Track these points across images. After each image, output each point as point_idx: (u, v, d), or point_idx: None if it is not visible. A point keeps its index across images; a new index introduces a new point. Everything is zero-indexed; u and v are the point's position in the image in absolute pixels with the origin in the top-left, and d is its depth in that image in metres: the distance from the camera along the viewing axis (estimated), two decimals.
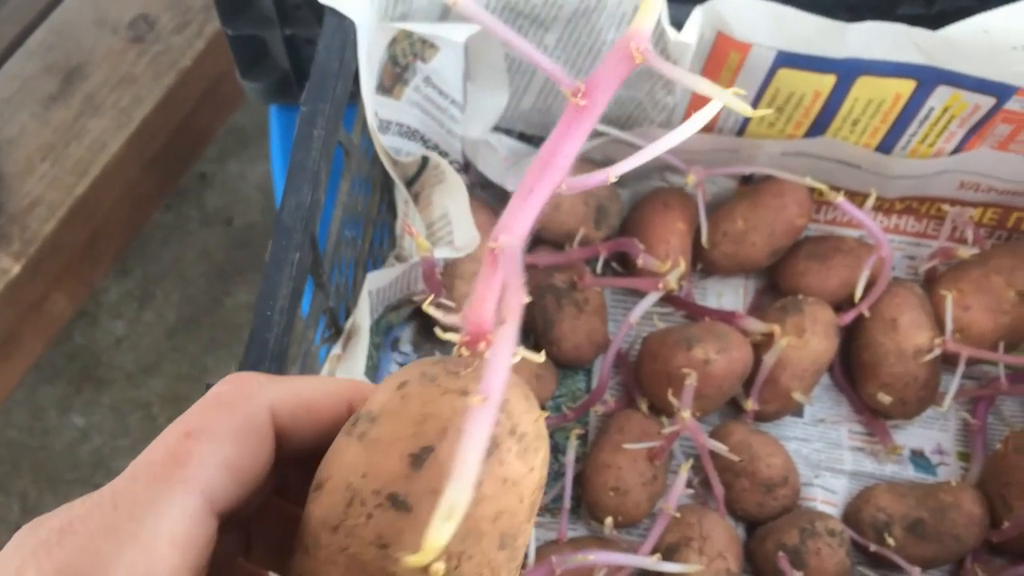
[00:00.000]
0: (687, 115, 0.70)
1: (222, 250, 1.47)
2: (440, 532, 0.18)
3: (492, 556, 0.24)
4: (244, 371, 0.27)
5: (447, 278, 0.68)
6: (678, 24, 0.62)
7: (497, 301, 0.25)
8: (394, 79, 0.63)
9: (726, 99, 0.25)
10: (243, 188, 1.50)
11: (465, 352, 0.25)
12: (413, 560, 0.19)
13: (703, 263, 0.76)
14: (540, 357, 0.26)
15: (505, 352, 0.21)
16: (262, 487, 0.26)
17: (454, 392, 0.23)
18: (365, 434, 0.23)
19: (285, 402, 0.26)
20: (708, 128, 0.72)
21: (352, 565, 0.23)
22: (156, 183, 1.23)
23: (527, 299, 0.23)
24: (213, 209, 1.50)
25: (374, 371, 0.66)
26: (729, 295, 0.78)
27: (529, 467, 0.24)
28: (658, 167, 0.77)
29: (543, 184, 0.25)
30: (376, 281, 0.59)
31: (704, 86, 0.26)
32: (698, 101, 0.69)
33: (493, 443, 0.23)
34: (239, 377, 0.26)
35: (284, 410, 0.26)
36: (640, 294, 0.72)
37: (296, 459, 0.27)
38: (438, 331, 0.26)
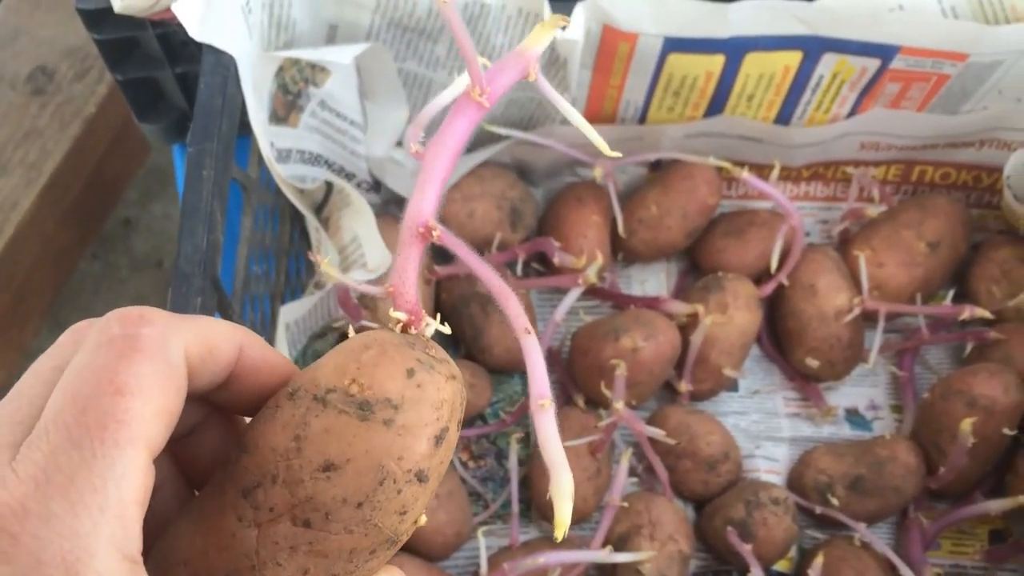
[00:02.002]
0: (586, 110, 0.71)
1: (156, 293, 1.45)
2: (566, 510, 0.26)
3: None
4: (145, 308, 0.26)
5: (369, 299, 0.67)
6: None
7: (416, 279, 0.28)
8: (287, 107, 0.63)
9: (593, 137, 0.29)
10: (170, 229, 1.48)
11: (412, 331, 0.29)
12: (559, 535, 0.25)
13: (623, 252, 0.77)
14: (445, 328, 0.30)
15: (540, 360, 0.28)
16: None
17: (450, 377, 0.27)
18: (392, 421, 0.26)
19: (194, 345, 0.26)
20: (610, 119, 0.72)
21: (371, 532, 0.26)
22: (76, 235, 1.21)
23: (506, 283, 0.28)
24: (141, 253, 1.47)
25: None
26: (652, 281, 0.79)
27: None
28: (568, 162, 0.77)
29: (444, 163, 0.28)
30: (292, 313, 0.59)
31: (580, 122, 0.29)
32: (596, 97, 0.70)
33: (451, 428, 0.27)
34: (146, 317, 0.25)
35: (193, 352, 0.26)
36: (564, 291, 0.73)
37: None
38: (392, 313, 0.29)
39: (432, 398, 0.26)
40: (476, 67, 0.27)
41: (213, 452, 0.30)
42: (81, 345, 0.25)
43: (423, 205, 0.28)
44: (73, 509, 0.22)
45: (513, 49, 0.28)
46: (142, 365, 0.24)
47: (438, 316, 0.30)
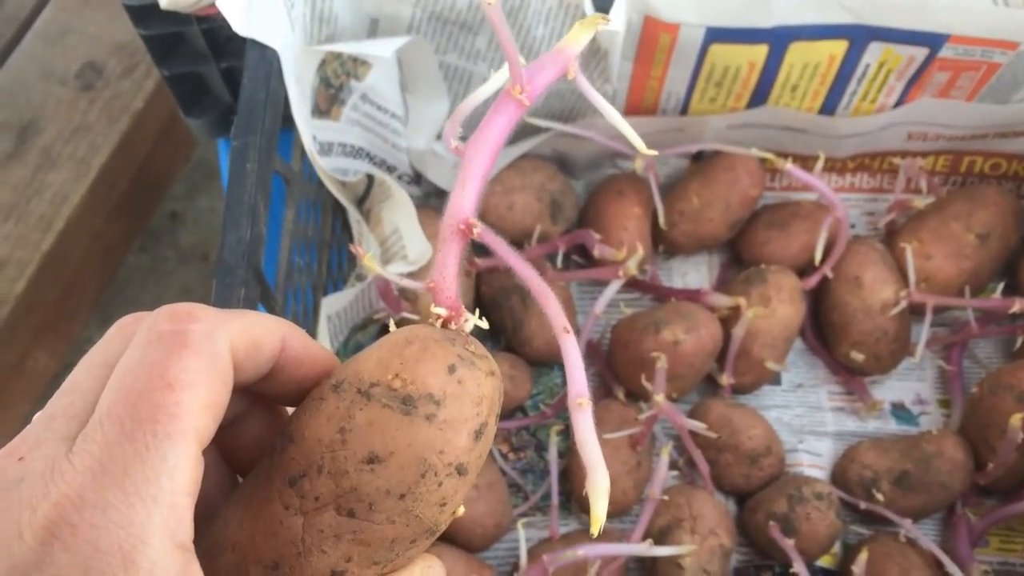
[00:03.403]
0: (628, 101, 0.71)
1: (202, 286, 1.47)
2: (602, 507, 0.26)
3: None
4: (193, 304, 0.27)
5: (410, 291, 0.68)
6: (604, 12, 0.62)
7: (457, 275, 0.29)
8: (330, 100, 0.63)
9: (631, 135, 0.29)
10: (216, 222, 1.50)
11: (452, 326, 0.29)
12: (594, 531, 0.26)
13: (664, 244, 0.76)
14: (484, 324, 0.30)
15: (578, 360, 0.28)
16: None
17: (490, 374, 0.28)
18: (434, 416, 0.26)
19: (240, 338, 0.27)
20: (651, 110, 0.72)
21: (413, 523, 0.27)
22: (124, 228, 1.23)
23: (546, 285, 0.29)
24: (188, 246, 1.50)
25: None
26: (694, 273, 0.78)
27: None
28: (608, 154, 0.77)
29: (484, 160, 0.28)
30: (333, 305, 0.59)
31: (618, 121, 0.29)
32: (637, 88, 0.69)
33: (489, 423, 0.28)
34: (193, 314, 0.26)
35: (239, 346, 0.27)
36: (605, 283, 0.72)
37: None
38: (433, 309, 0.29)
39: (472, 394, 0.27)
40: (517, 65, 0.27)
41: (256, 440, 0.31)
42: (129, 340, 0.26)
43: (464, 202, 0.28)
44: (128, 499, 0.23)
45: (553, 47, 0.28)
46: (191, 360, 0.25)
47: (477, 311, 0.30)
